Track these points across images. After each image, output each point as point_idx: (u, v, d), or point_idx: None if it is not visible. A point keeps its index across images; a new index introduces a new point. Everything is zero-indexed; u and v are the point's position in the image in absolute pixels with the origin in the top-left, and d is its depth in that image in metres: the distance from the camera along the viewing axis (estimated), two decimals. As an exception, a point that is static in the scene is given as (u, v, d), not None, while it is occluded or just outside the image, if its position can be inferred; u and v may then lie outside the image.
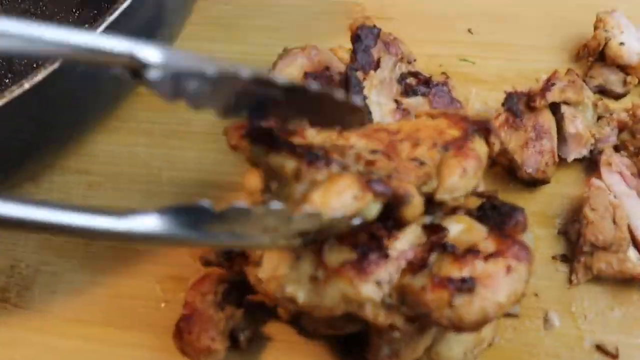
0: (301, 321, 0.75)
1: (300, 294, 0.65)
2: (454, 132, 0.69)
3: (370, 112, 0.80)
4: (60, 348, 0.82)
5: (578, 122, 0.85)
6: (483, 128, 0.70)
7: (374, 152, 0.67)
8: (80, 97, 0.79)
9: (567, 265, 0.81)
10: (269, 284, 0.66)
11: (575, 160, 0.86)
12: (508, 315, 0.77)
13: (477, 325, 0.61)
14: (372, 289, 0.62)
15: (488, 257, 0.61)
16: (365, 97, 0.80)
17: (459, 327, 0.61)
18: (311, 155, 0.64)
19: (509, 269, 0.60)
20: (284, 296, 0.65)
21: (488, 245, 0.63)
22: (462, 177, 0.66)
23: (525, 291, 0.62)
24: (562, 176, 0.86)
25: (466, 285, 0.59)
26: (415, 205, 0.64)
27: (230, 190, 0.89)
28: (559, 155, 0.85)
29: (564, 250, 0.82)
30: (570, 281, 0.79)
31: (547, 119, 0.85)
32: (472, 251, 0.62)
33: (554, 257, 0.82)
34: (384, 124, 0.77)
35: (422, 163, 0.66)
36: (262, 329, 0.80)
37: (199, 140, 0.96)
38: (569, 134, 0.85)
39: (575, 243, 0.80)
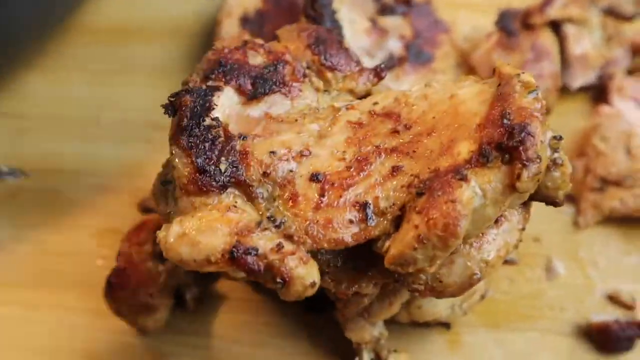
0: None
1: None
2: (462, 148, 0.48)
3: (341, 28, 0.68)
4: (-24, 316, 0.69)
5: (584, 42, 0.74)
6: (510, 146, 0.46)
7: (315, 177, 0.50)
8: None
9: (572, 205, 0.71)
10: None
11: (580, 90, 0.76)
12: (504, 262, 0.65)
13: (460, 290, 0.51)
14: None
15: None
16: (334, 12, 0.69)
17: (438, 292, 0.51)
18: (204, 173, 0.49)
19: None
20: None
21: None
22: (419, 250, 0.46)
23: (520, 239, 0.52)
24: (564, 108, 0.76)
25: None
26: (299, 287, 0.48)
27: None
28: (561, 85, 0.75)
29: (568, 188, 0.71)
30: (576, 224, 0.69)
31: (547, 39, 0.74)
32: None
33: (556, 197, 0.71)
34: (412, 99, 0.55)
35: (364, 215, 0.48)
36: (212, 286, 0.69)
37: (146, 76, 0.85)
38: (573, 56, 0.74)
39: (581, 180, 0.70)
